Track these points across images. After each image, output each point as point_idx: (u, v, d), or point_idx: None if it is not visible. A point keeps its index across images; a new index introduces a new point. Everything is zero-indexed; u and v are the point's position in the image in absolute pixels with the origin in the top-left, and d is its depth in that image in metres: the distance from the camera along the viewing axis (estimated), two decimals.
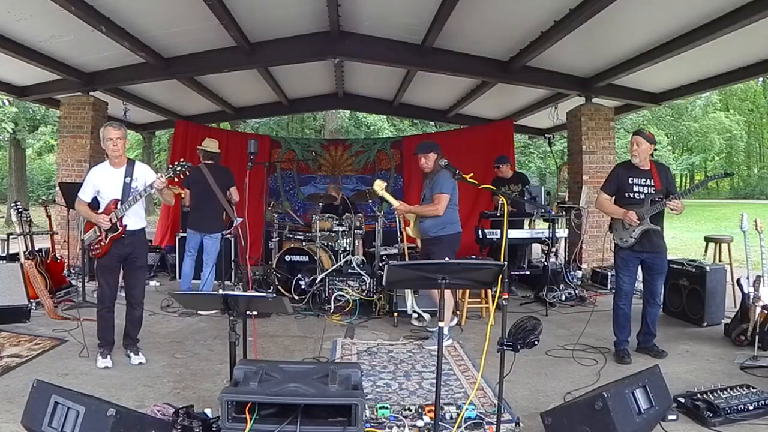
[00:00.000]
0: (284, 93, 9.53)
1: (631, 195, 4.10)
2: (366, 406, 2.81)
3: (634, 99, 7.86)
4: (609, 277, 6.84)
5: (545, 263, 6.13)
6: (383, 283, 2.75)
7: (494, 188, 4.45)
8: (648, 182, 4.07)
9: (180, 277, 6.23)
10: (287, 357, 4.13)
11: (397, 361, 4.10)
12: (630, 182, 4.11)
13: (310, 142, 11.73)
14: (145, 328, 4.82)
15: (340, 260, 6.14)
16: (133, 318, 4.06)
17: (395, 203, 4.66)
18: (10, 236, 6.10)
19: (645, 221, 3.99)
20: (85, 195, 3.93)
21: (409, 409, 3.12)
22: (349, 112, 19.50)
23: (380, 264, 5.71)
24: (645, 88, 7.66)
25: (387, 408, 3.08)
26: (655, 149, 4.33)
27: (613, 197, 4.24)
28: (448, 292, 4.23)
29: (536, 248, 7.81)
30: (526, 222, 7.03)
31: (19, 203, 5.72)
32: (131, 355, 3.97)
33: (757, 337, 4.09)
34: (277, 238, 7.06)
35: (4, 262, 5.66)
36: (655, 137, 4.25)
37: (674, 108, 25.61)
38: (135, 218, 3.93)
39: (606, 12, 4.85)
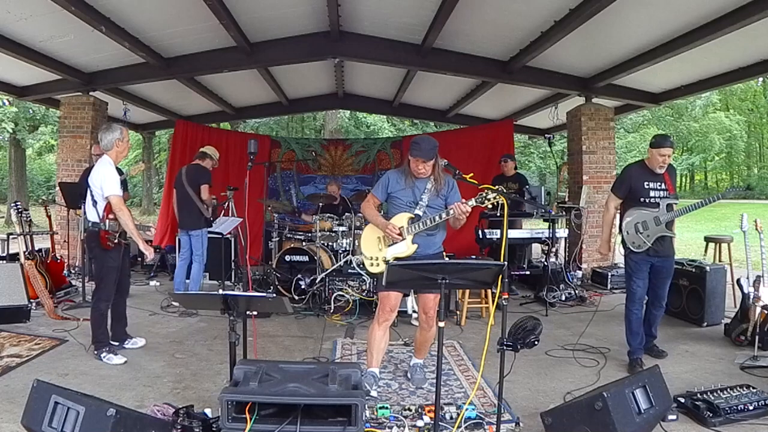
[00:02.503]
0: (284, 93, 9.53)
1: (647, 200, 3.96)
2: (366, 406, 2.81)
3: (634, 99, 7.86)
4: (609, 277, 6.85)
5: (545, 263, 6.13)
6: (383, 283, 2.74)
7: (493, 187, 4.22)
8: (662, 186, 3.96)
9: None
10: (287, 357, 4.13)
11: (397, 361, 4.10)
12: (646, 186, 3.97)
13: (310, 142, 11.72)
14: (145, 328, 4.84)
15: (340, 260, 6.14)
16: (125, 305, 4.35)
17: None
18: (10, 236, 6.10)
19: (661, 226, 3.88)
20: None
21: (409, 409, 3.13)
22: (349, 112, 19.49)
23: None
24: (645, 88, 7.66)
25: (387, 408, 3.08)
26: None
27: (622, 200, 4.13)
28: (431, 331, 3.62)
29: (536, 248, 7.81)
30: (524, 222, 7.02)
31: (19, 203, 5.72)
32: (129, 341, 4.18)
33: (757, 337, 4.09)
34: (277, 238, 7.07)
35: (4, 262, 5.67)
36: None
37: (674, 108, 25.64)
38: None
39: (606, 12, 4.85)
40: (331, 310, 5.48)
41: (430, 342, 3.67)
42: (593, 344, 4.45)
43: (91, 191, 3.96)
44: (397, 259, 3.39)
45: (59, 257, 6.32)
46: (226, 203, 6.90)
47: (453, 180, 3.54)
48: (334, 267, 5.93)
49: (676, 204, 3.92)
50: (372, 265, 3.51)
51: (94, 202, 3.94)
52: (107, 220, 3.92)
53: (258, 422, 2.45)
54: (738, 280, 4.57)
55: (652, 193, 3.97)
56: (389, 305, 3.48)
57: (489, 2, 5.32)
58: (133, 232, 3.96)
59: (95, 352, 3.96)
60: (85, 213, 4.11)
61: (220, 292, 2.82)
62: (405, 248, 3.41)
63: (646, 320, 4.17)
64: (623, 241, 4.10)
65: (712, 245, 6.36)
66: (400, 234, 3.40)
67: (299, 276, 6.00)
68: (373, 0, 5.81)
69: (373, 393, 3.44)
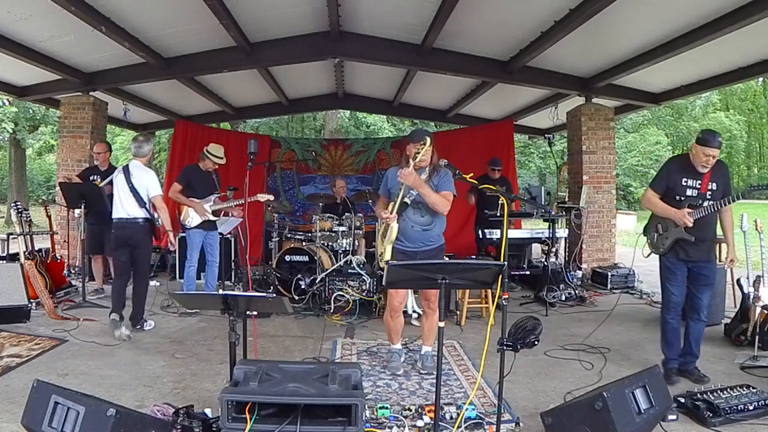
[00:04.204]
0: (284, 93, 9.53)
1: (682, 198, 3.58)
2: (366, 406, 2.81)
3: (634, 99, 7.86)
4: (609, 277, 6.86)
5: (545, 263, 6.13)
6: (383, 283, 2.74)
7: (494, 187, 3.99)
8: (699, 184, 3.56)
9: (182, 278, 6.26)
10: (287, 357, 4.13)
11: None
12: (683, 183, 3.58)
13: (310, 142, 11.73)
14: None
15: (340, 260, 6.14)
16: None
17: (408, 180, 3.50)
18: (10, 236, 6.10)
19: (679, 228, 3.56)
20: None
21: (409, 409, 3.12)
22: (349, 112, 19.49)
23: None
24: (645, 88, 7.66)
25: (387, 408, 3.08)
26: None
27: (661, 196, 3.71)
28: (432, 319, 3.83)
29: (536, 248, 7.81)
30: (524, 222, 7.02)
31: (19, 203, 5.72)
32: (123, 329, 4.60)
33: (757, 337, 4.09)
34: (277, 238, 7.07)
35: (4, 262, 5.66)
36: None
37: (674, 108, 25.60)
38: None
39: (606, 12, 4.85)
40: (331, 310, 5.48)
41: (435, 329, 3.69)
42: (593, 344, 4.45)
43: (137, 192, 4.60)
44: (397, 238, 3.63)
45: (59, 257, 6.31)
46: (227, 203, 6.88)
47: (448, 172, 3.65)
48: (334, 267, 5.93)
49: (699, 204, 3.52)
50: (381, 260, 3.78)
51: (143, 202, 4.61)
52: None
53: (258, 422, 2.45)
54: (738, 280, 4.57)
55: (688, 192, 3.58)
56: (397, 300, 3.82)
57: (489, 2, 5.32)
58: (170, 227, 4.78)
59: (138, 327, 4.67)
60: (117, 211, 4.65)
61: (220, 292, 2.82)
62: (390, 230, 3.64)
63: (685, 336, 3.75)
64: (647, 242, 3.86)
65: None
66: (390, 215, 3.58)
67: (299, 276, 6.01)
68: (373, 0, 5.82)
69: (403, 358, 3.97)
